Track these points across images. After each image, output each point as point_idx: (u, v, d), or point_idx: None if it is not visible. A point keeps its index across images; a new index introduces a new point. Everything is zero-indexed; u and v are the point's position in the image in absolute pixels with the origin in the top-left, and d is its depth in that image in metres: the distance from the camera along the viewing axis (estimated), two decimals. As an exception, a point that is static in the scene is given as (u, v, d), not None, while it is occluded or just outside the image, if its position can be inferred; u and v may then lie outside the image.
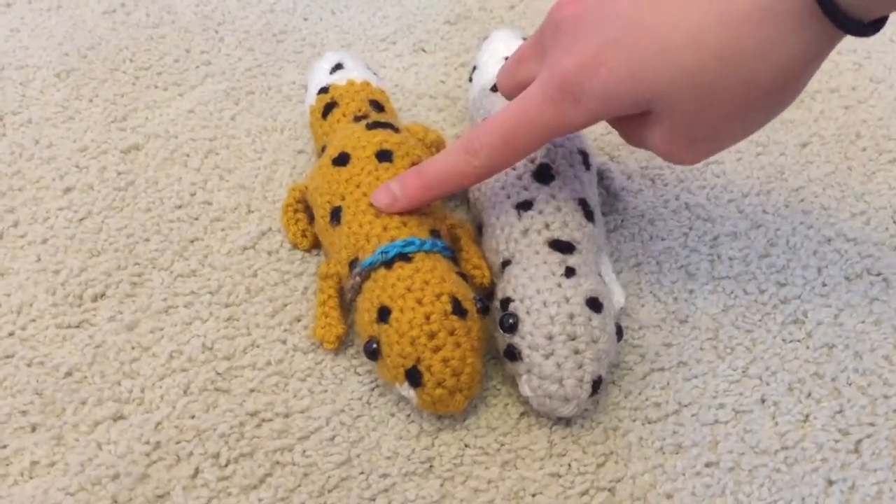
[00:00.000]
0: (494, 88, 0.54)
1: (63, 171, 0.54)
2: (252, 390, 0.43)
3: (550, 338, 0.40)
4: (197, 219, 0.51)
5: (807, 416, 0.44)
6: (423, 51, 0.66)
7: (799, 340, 0.47)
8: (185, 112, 0.59)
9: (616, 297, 0.45)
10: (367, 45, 0.66)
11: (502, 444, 0.42)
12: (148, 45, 0.64)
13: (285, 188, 0.54)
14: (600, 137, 0.59)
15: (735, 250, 0.52)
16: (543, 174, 0.46)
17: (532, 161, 0.47)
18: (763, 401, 0.44)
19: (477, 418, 0.43)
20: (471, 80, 0.58)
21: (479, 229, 0.48)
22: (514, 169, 0.47)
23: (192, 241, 0.50)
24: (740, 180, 0.56)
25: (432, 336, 0.40)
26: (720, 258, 0.51)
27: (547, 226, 0.45)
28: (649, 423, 0.43)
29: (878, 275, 0.51)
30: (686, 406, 0.44)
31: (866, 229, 0.54)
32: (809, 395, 0.44)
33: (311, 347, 0.45)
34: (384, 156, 0.47)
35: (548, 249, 0.44)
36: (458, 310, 0.41)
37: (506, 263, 0.45)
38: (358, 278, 0.43)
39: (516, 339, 0.42)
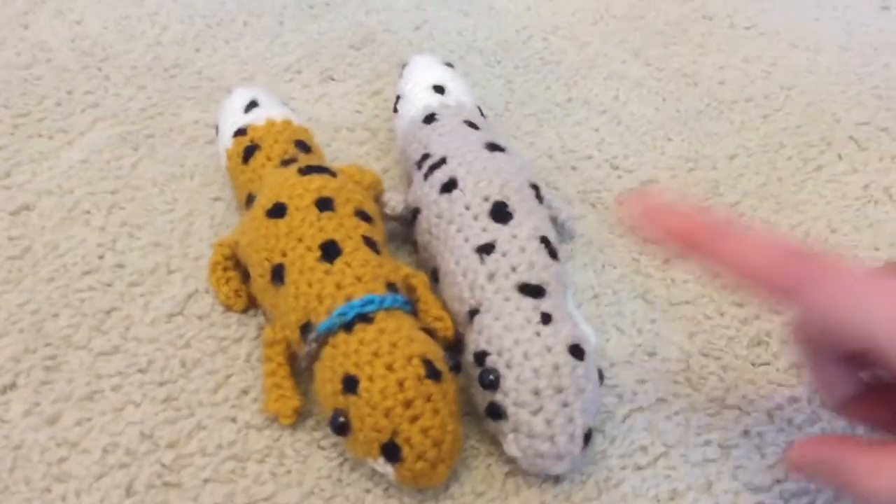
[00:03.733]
0: (427, 120, 0.51)
1: (-56, 243, 0.47)
2: (206, 480, 0.38)
3: (537, 393, 0.37)
4: (110, 285, 0.46)
5: (791, 444, 0.42)
6: (332, 79, 0.62)
7: (768, 363, 0.46)
8: (78, 162, 0.52)
9: (588, 337, 0.43)
10: (271, 75, 0.62)
11: (492, 512, 0.38)
12: (23, 89, 0.57)
13: (206, 242, 0.48)
14: (532, 163, 0.57)
15: (687, 273, 0.50)
16: (500, 212, 0.43)
17: (486, 199, 0.44)
18: (746, 432, 0.43)
19: (460, 485, 0.39)
20: (395, 110, 0.54)
21: (433, 274, 0.45)
22: (467, 208, 0.44)
23: (109, 312, 0.44)
24: (679, 199, 0.55)
25: (408, 405, 0.36)
26: (675, 282, 0.50)
27: (514, 269, 0.41)
28: (639, 469, 0.40)
29: (828, 287, 0.50)
30: (672, 447, 0.41)
31: (807, 242, 0.53)
32: (790, 421, 0.43)
33: (265, 423, 0.40)
34: (325, 204, 0.43)
35: (518, 295, 0.41)
36: (432, 372, 0.37)
37: (473, 312, 0.41)
38: (314, 345, 0.39)
39: (499, 397, 0.38)
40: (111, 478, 0.38)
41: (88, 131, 0.55)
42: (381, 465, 0.37)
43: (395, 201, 0.48)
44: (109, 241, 0.48)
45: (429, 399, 0.36)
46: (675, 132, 0.61)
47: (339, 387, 0.37)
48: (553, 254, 0.43)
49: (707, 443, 0.42)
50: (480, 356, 0.39)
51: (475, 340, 0.40)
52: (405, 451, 0.36)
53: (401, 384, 0.36)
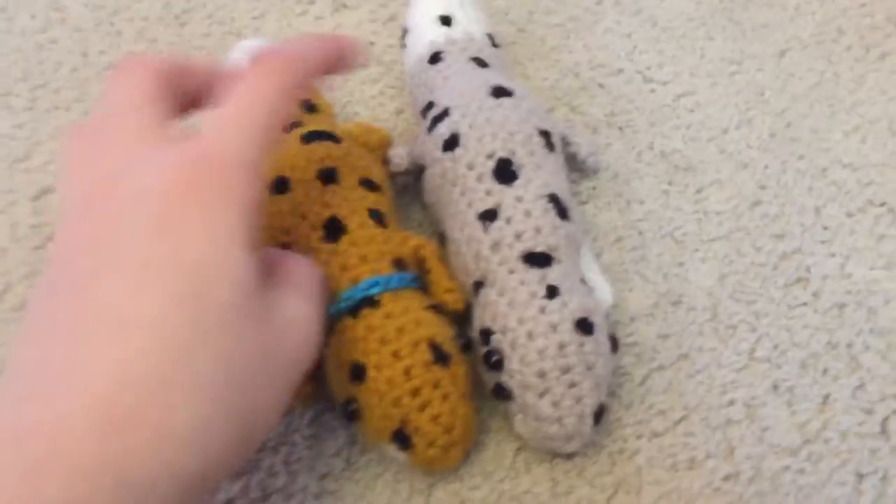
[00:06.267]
0: (433, 59, 0.48)
1: (-31, 236, 0.48)
2: (222, 474, 0.39)
3: (542, 374, 0.36)
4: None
5: (826, 397, 0.40)
6: (345, 6, 0.59)
7: (805, 304, 0.43)
8: (94, 136, 0.52)
9: (603, 295, 0.41)
10: (283, 10, 0.59)
11: (502, 493, 0.38)
12: (39, 56, 0.57)
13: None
14: (556, 85, 0.53)
15: (722, 202, 0.47)
16: (504, 171, 0.41)
17: (490, 157, 0.41)
18: (776, 387, 0.40)
19: (470, 465, 0.39)
20: (403, 45, 0.51)
21: (441, 238, 0.43)
22: (470, 168, 0.41)
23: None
24: (717, 112, 0.51)
25: (416, 393, 0.36)
26: (707, 215, 0.46)
27: (518, 237, 0.39)
28: (656, 436, 0.39)
29: (882, 205, 0.46)
30: (694, 409, 0.40)
31: (863, 149, 0.48)
32: (825, 371, 0.41)
33: (278, 409, 0.41)
34: (328, 176, 0.41)
35: (523, 266, 0.39)
36: (440, 356, 0.36)
37: (479, 285, 0.40)
38: None
39: (504, 378, 0.37)
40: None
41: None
42: (394, 452, 0.37)
43: (399, 157, 0.46)
44: (125, 221, 0.48)
45: (437, 385, 0.36)
46: (718, 29, 0.55)
47: (348, 375, 0.37)
48: (563, 213, 0.41)
49: (731, 402, 0.40)
50: (485, 333, 0.38)
51: (480, 317, 0.39)
52: (415, 439, 0.36)
53: (407, 372, 0.36)
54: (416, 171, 0.45)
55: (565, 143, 0.46)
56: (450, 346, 0.37)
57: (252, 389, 0.30)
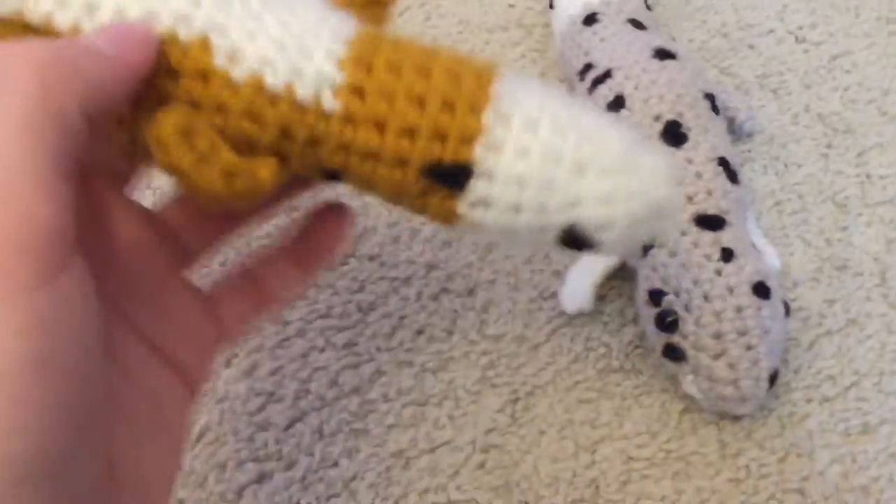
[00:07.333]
0: (588, 21, 0.47)
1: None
2: (390, 426, 0.40)
3: (719, 336, 0.36)
4: (285, 225, 0.47)
5: None
6: (484, -33, 0.58)
7: (978, 270, 0.42)
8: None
9: (771, 260, 0.40)
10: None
11: (669, 452, 0.38)
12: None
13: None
14: (704, 46, 0.52)
15: (885, 166, 0.46)
16: (673, 134, 0.40)
17: (657, 119, 0.41)
18: (951, 355, 0.40)
19: (635, 423, 0.39)
20: (552, 5, 0.51)
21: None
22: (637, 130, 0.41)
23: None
24: (876, 73, 0.49)
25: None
26: (870, 179, 0.45)
27: (690, 199, 0.39)
28: (827, 401, 0.39)
29: None
30: (865, 375, 0.39)
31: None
32: None
33: (440, 365, 0.42)
34: None
35: (696, 228, 0.38)
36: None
37: (647, 246, 0.39)
38: None
39: (677, 339, 0.37)
40: (304, 424, 0.40)
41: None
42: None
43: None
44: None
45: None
46: (874, -13, 0.54)
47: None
48: (733, 177, 0.40)
49: (904, 369, 0.39)
50: (656, 294, 0.38)
51: (649, 277, 0.39)
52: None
53: None
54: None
55: (723, 106, 0.46)
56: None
57: None
